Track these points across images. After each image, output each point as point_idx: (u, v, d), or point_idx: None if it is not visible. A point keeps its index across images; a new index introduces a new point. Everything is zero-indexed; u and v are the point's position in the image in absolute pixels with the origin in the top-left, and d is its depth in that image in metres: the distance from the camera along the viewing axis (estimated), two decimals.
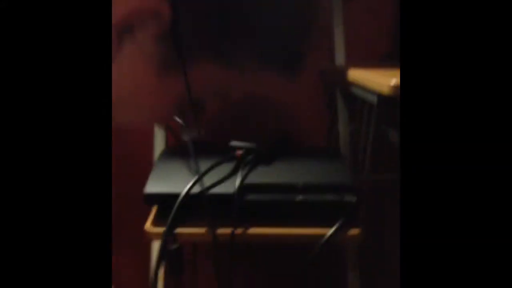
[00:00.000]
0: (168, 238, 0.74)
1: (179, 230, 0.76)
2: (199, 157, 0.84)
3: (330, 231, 0.77)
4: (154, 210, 0.81)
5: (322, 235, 0.77)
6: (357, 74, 0.87)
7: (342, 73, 0.94)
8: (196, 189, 0.77)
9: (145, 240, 0.80)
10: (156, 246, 0.80)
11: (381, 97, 0.74)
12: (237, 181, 0.79)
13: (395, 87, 0.66)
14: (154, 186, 0.79)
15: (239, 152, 0.85)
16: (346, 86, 0.94)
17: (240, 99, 1.11)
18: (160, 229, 0.76)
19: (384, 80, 0.68)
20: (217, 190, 0.78)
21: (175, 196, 0.76)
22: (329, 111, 1.09)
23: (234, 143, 0.88)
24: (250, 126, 1.12)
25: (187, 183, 0.77)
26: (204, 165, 0.82)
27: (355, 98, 1.00)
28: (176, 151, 0.92)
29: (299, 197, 0.79)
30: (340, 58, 1.01)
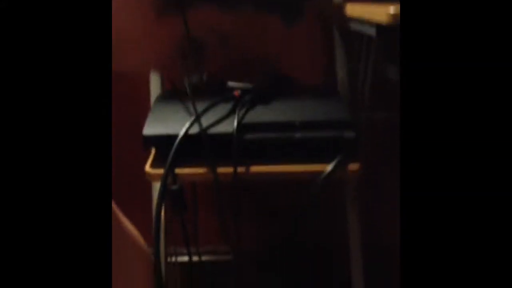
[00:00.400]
0: (168, 178, 0.74)
1: (179, 170, 0.76)
2: (196, 99, 0.83)
3: (330, 166, 0.77)
4: (153, 152, 0.81)
5: (322, 172, 0.77)
6: (355, 9, 0.85)
7: (340, 8, 0.92)
8: (195, 129, 0.76)
9: (146, 182, 0.81)
10: (157, 188, 0.80)
11: (380, 27, 0.72)
12: (236, 120, 0.78)
13: (394, 15, 0.65)
14: (152, 128, 0.78)
15: (237, 92, 0.84)
16: (344, 22, 0.93)
17: (239, 41, 1.09)
18: (160, 170, 0.76)
19: (382, 9, 0.67)
20: (215, 129, 0.77)
21: (174, 137, 0.75)
22: (326, 50, 1.07)
23: (231, 83, 0.87)
24: (248, 68, 1.10)
25: (185, 124, 0.77)
26: (201, 106, 0.81)
27: (353, 36, 0.99)
28: (173, 94, 0.91)
29: (298, 135, 0.79)
30: None
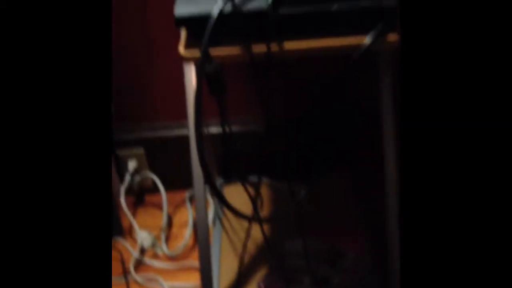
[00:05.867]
0: (205, 58, 0.73)
1: (213, 50, 0.75)
2: None
3: (369, 38, 0.75)
4: (183, 33, 0.78)
5: (359, 45, 0.75)
6: None
7: None
8: (228, 7, 0.73)
9: (180, 63, 0.80)
10: (190, 68, 0.79)
11: None
12: None
13: None
14: (183, 7, 0.75)
15: None
16: None
17: None
18: (194, 51, 0.75)
19: None
20: (249, 6, 0.74)
21: (207, 16, 0.73)
22: None
23: None
24: None
25: (217, 2, 0.73)
26: None
27: None
28: None
29: (335, 6, 0.75)
30: None
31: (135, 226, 1.18)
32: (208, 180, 0.84)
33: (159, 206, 1.23)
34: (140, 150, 1.24)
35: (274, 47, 0.76)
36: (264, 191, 1.17)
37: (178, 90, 0.89)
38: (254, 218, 0.92)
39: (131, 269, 1.11)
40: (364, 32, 0.76)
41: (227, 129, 0.87)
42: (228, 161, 1.11)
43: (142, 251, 1.16)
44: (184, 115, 0.81)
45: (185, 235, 1.17)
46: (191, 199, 1.25)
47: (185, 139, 0.84)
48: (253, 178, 0.93)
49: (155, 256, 1.15)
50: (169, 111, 1.21)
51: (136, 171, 1.24)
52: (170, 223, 1.22)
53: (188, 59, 0.77)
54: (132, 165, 1.22)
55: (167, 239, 1.19)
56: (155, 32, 1.12)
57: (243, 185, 0.91)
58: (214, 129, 1.05)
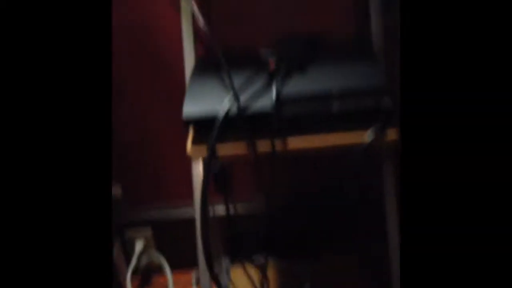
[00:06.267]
0: (212, 160, 0.76)
1: (219, 148, 0.78)
2: (230, 68, 0.83)
3: (370, 137, 0.78)
4: (191, 131, 0.82)
5: (361, 143, 0.78)
6: None
7: None
8: (234, 108, 0.77)
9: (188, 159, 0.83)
10: (198, 165, 0.83)
11: None
12: (273, 95, 0.78)
13: None
14: (191, 107, 0.79)
15: (271, 62, 0.84)
16: None
17: None
18: (201, 149, 0.78)
19: None
20: (254, 107, 0.78)
21: (214, 117, 0.77)
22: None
23: (264, 52, 0.86)
24: (276, 22, 1.08)
25: (224, 102, 0.77)
26: (237, 78, 0.81)
27: None
28: (208, 63, 0.91)
29: (335, 106, 0.79)
30: None
31: None
32: (209, 268, 0.85)
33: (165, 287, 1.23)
34: (148, 231, 1.25)
35: (278, 144, 0.79)
36: (270, 272, 1.18)
37: (186, 172, 0.92)
38: None
39: None
40: (365, 127, 0.80)
41: (232, 212, 0.89)
42: (234, 242, 1.13)
43: None
44: (192, 196, 0.84)
45: None
46: (198, 281, 1.25)
47: (192, 221, 0.86)
48: (259, 258, 0.94)
49: None
50: (177, 192, 1.24)
51: (143, 251, 1.25)
52: None
53: (195, 155, 0.81)
54: (139, 245, 1.24)
55: None
56: (163, 118, 1.17)
57: (246, 270, 0.93)
58: (221, 209, 1.07)
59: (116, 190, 1.21)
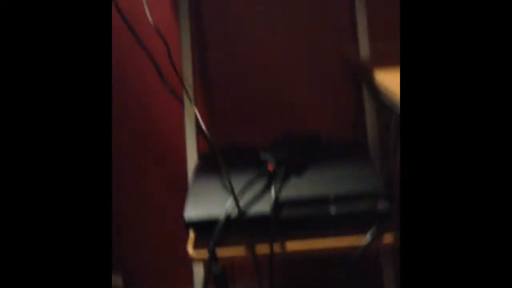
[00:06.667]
0: (212, 263, 0.78)
1: (219, 250, 0.80)
2: (231, 169, 0.86)
3: (365, 240, 0.80)
4: (192, 233, 0.84)
5: (358, 246, 0.80)
6: (383, 77, 0.86)
7: (368, 71, 0.93)
8: (234, 212, 0.80)
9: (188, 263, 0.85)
10: (199, 267, 0.84)
11: None
12: (271, 199, 0.81)
13: None
14: (193, 211, 0.82)
15: (270, 165, 0.87)
16: (372, 83, 0.94)
17: (261, 94, 1.12)
18: (202, 251, 0.80)
19: None
20: (253, 211, 0.80)
21: (214, 221, 0.79)
22: (355, 102, 1.09)
23: (263, 154, 0.90)
24: (272, 124, 1.13)
25: (224, 206, 0.80)
26: (237, 180, 0.84)
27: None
28: (209, 162, 0.95)
29: (333, 210, 0.81)
30: (364, 50, 1.00)
31: None
32: None
33: None
34: None
35: (277, 247, 0.81)
36: None
37: (187, 271, 0.93)
38: None
39: None
40: (363, 230, 0.82)
41: None
42: None
43: None
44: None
45: None
46: None
47: None
48: None
49: None
50: (177, 278, 1.24)
51: None
52: None
53: (195, 259, 0.82)
54: None
55: None
56: (166, 216, 1.19)
57: None
58: None
59: (117, 281, 1.22)
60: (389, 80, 0.83)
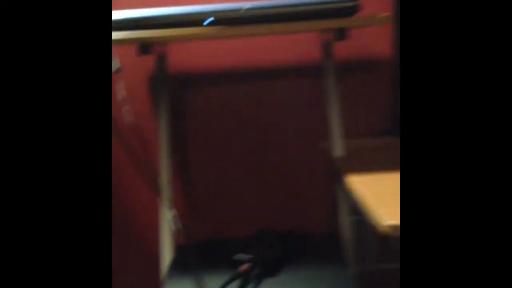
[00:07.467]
0: None
1: None
2: (206, 268, 0.86)
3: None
4: None
5: None
6: (355, 182, 0.88)
7: (340, 171, 0.95)
8: None
9: None
10: None
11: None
12: None
13: (394, 227, 0.65)
14: None
15: (244, 267, 0.88)
16: (344, 183, 0.96)
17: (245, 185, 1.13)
18: None
19: (384, 213, 0.66)
20: None
21: None
22: (330, 198, 1.11)
23: (239, 256, 0.90)
24: (254, 213, 1.14)
25: None
26: (212, 280, 0.84)
27: None
28: (184, 259, 0.95)
29: None
30: (337, 148, 1.03)
31: None
32: None
33: None
34: None
35: None
36: None
37: None
38: None
39: None
40: None
41: None
42: None
43: None
44: None
45: None
46: None
47: None
48: None
49: None
50: None
51: None
52: None
53: None
54: None
55: None
56: None
57: None
58: None
59: None
60: (358, 184, 0.84)
